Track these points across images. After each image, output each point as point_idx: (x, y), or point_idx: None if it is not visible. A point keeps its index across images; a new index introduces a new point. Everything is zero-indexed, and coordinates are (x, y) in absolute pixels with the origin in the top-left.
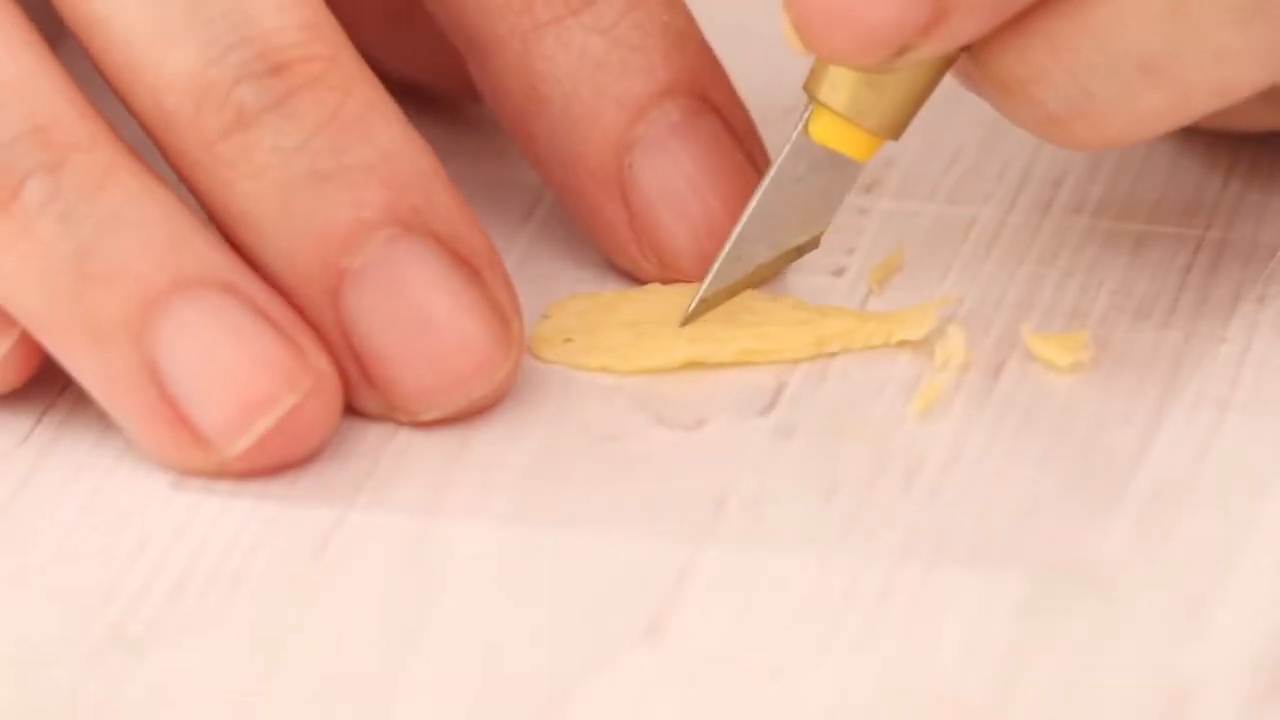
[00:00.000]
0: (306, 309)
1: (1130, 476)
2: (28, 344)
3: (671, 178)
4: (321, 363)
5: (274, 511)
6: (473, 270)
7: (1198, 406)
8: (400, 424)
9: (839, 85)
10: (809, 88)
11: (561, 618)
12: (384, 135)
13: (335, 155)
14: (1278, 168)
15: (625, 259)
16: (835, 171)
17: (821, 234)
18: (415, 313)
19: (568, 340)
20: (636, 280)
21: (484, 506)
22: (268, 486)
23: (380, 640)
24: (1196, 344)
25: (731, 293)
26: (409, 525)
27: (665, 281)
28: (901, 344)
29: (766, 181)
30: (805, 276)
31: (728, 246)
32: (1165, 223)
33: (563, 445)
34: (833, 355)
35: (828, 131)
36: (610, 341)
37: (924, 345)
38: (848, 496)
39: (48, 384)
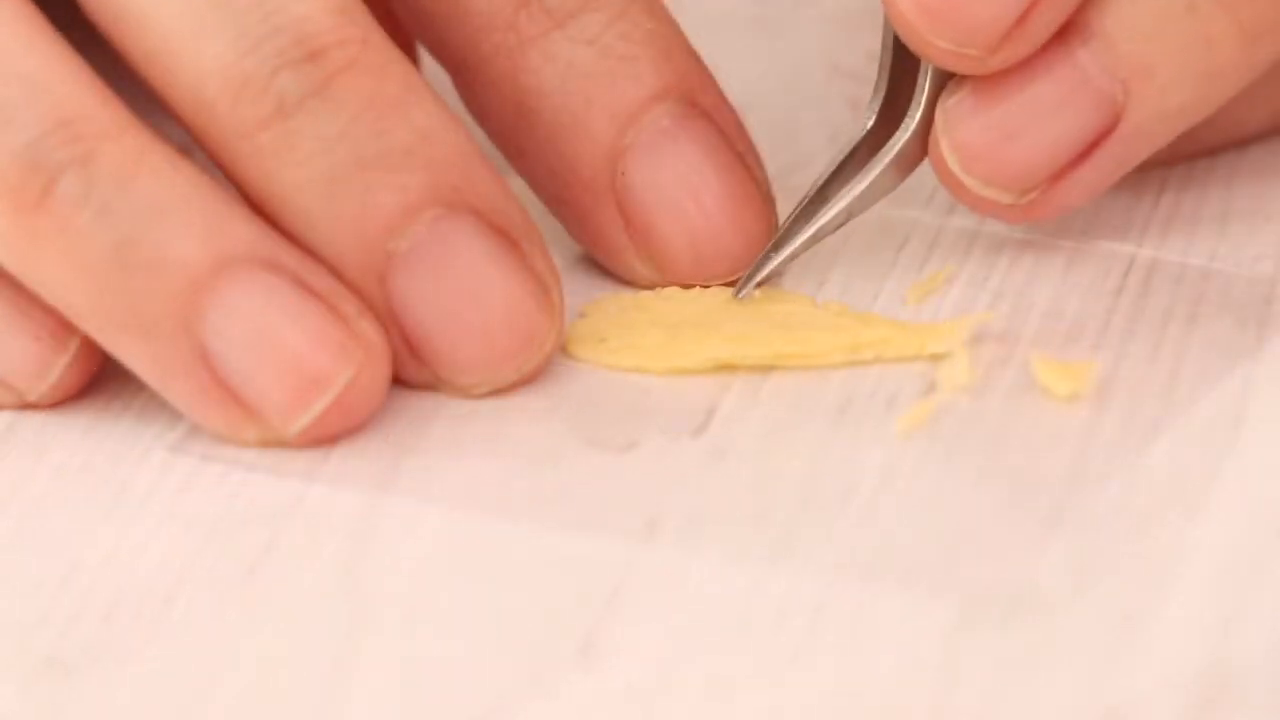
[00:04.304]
0: (355, 292)
1: (1064, 498)
2: (86, 351)
3: (666, 182)
4: (368, 328)
5: (205, 535)
6: (513, 243)
7: (1129, 428)
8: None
9: None
10: None
11: (494, 640)
12: (420, 115)
13: (376, 140)
14: (1208, 187)
15: (621, 265)
16: None
17: None
18: (464, 291)
19: (602, 340)
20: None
21: (414, 530)
22: (202, 508)
23: (309, 668)
24: (1127, 366)
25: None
26: (339, 551)
27: (664, 285)
28: (933, 357)
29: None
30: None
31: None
32: (1097, 241)
33: (494, 469)
34: (824, 368)
35: None
36: (645, 341)
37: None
38: (781, 517)
39: None
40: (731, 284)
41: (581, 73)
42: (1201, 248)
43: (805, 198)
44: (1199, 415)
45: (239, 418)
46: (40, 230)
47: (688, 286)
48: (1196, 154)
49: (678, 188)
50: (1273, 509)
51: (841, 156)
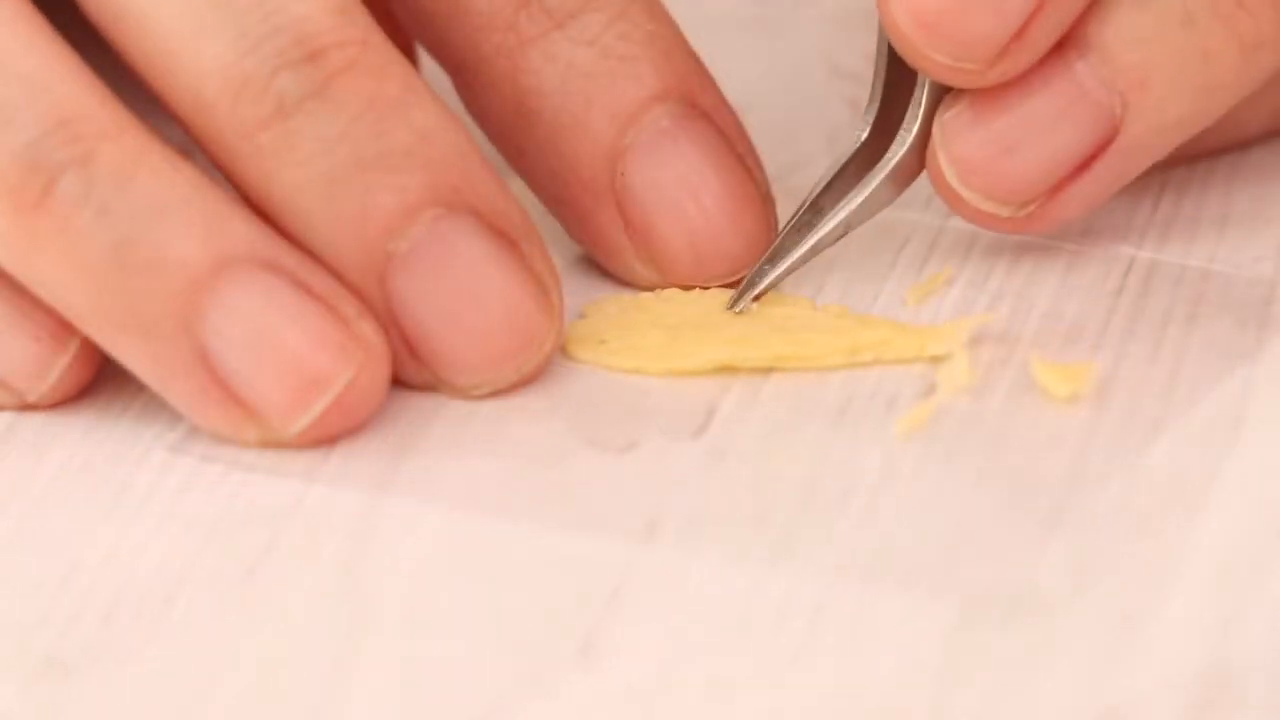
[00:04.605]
0: (355, 293)
1: (1064, 498)
2: (86, 352)
3: (665, 183)
4: (367, 329)
5: (205, 535)
6: (512, 243)
7: (1129, 429)
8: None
9: None
10: None
11: (494, 641)
12: (420, 116)
13: (376, 140)
14: (1208, 189)
15: (621, 266)
16: None
17: None
18: (463, 292)
19: (602, 342)
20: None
21: (414, 530)
22: (202, 509)
23: (309, 668)
24: (1127, 367)
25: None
26: (338, 551)
27: (664, 287)
28: (933, 358)
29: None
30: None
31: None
32: (1097, 243)
33: (494, 470)
34: (824, 370)
35: None
36: (645, 343)
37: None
38: (781, 518)
39: None
40: (731, 285)
41: (581, 73)
42: (1201, 249)
43: (800, 210)
44: (1199, 416)
45: (239, 418)
46: (40, 230)
47: (688, 288)
48: (1197, 156)
49: (677, 188)
50: (1272, 509)
51: (836, 168)
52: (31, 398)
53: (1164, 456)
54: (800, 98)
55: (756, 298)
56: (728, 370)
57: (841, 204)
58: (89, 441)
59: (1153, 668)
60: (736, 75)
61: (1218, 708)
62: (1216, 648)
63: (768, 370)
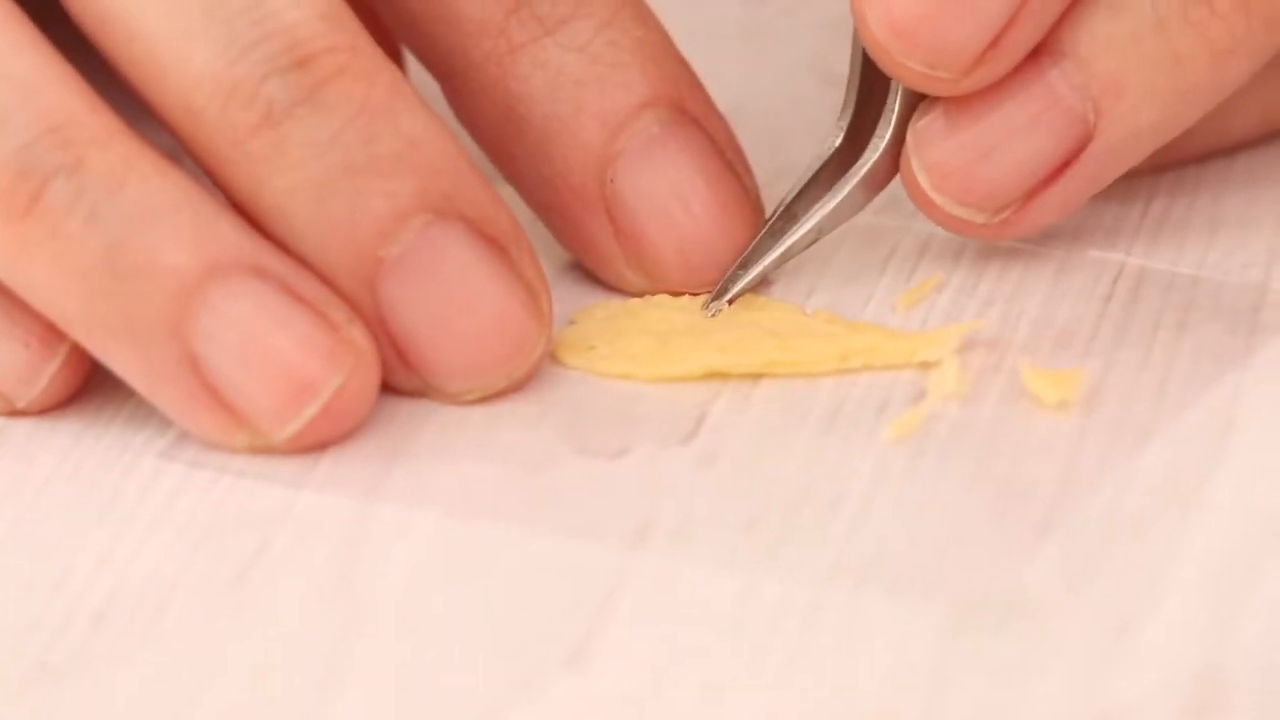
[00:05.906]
0: (345, 299)
1: (1056, 503)
2: (75, 358)
3: (655, 190)
4: (356, 335)
5: (195, 541)
6: (501, 249)
7: (1120, 434)
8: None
9: None
10: None
11: (486, 646)
12: (409, 122)
13: (365, 146)
14: (1197, 194)
15: (611, 273)
16: None
17: None
18: (454, 297)
19: (591, 348)
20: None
21: (405, 535)
22: (193, 514)
23: (300, 673)
24: (1117, 372)
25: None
26: (329, 556)
27: (654, 293)
28: (922, 364)
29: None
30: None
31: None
32: (1086, 249)
33: (485, 475)
34: (814, 376)
35: None
36: (634, 349)
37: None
38: (773, 523)
39: None
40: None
41: (572, 79)
42: (1191, 255)
43: (774, 215)
44: (1189, 421)
45: (228, 424)
46: (30, 236)
47: (677, 294)
48: (1185, 160)
49: (667, 195)
50: (1264, 513)
51: (811, 173)
52: (21, 404)
53: (1155, 461)
54: (790, 104)
55: (730, 302)
56: (717, 376)
57: (814, 209)
58: (79, 448)
59: (1146, 672)
60: (726, 81)
61: (1211, 711)
62: (1209, 651)
63: (757, 376)
